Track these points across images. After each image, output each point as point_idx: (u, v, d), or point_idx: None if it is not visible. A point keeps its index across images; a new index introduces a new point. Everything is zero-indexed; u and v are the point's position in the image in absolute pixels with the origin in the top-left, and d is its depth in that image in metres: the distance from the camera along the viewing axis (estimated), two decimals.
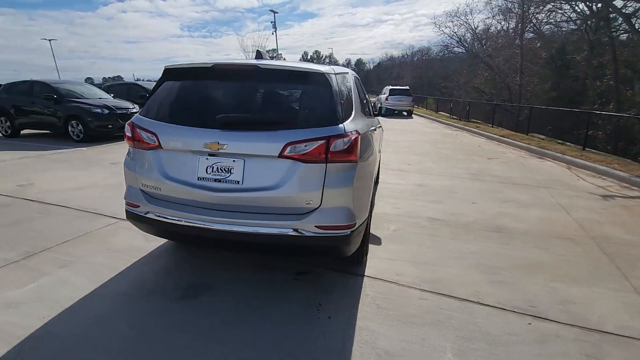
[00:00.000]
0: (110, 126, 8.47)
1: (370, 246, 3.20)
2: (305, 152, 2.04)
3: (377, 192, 4.80)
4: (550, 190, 5.21)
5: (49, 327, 2.08)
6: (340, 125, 2.12)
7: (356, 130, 2.25)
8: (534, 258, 3.08)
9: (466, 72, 23.02)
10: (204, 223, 2.15)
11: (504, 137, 10.55)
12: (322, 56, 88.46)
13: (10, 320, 2.13)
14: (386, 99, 18.15)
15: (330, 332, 2.10)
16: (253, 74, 2.24)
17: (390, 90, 18.59)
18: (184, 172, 2.20)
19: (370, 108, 3.84)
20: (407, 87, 19.76)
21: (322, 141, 2.04)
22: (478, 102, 19.54)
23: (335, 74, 2.35)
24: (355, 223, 2.20)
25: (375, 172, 3.77)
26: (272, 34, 27.76)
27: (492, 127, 13.48)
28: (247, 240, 2.15)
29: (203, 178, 2.17)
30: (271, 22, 28.65)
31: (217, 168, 2.14)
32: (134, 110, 8.89)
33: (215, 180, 2.15)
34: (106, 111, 8.43)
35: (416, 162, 6.94)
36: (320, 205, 2.11)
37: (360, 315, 2.26)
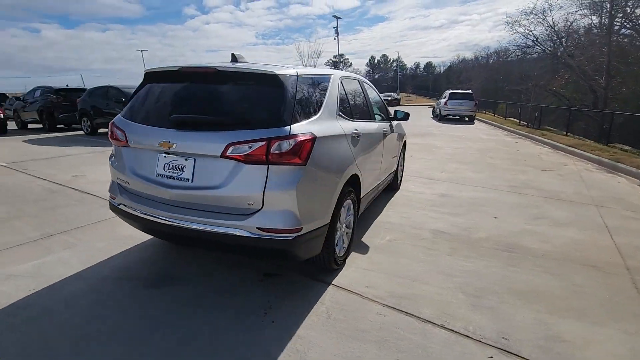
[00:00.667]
0: None
1: (354, 254, 3.08)
2: (246, 153, 2.03)
3: (391, 201, 4.59)
4: (601, 209, 4.48)
5: (28, 299, 2.37)
6: (287, 127, 2.08)
7: (311, 133, 2.18)
8: (538, 284, 2.68)
9: (540, 74, 20.80)
10: (161, 218, 2.26)
11: (571, 146, 9.33)
12: (390, 60, 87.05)
13: (2, 290, 2.47)
14: (445, 104, 17.21)
15: (266, 336, 2.06)
16: (213, 77, 2.30)
17: (450, 94, 17.59)
18: (146, 168, 2.35)
19: (372, 112, 3.69)
20: (469, 91, 18.52)
21: (263, 142, 2.02)
22: (554, 108, 17.52)
23: (295, 75, 2.31)
24: (302, 228, 2.14)
25: (381, 175, 3.61)
26: (334, 39, 28.03)
27: (565, 135, 12.00)
28: (197, 237, 2.21)
29: (160, 175, 2.29)
30: (334, 27, 29.37)
31: (172, 166, 2.24)
32: None
33: (169, 177, 2.25)
34: None
35: (452, 171, 6.48)
36: (262, 207, 2.09)
37: (305, 323, 2.18)
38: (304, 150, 2.10)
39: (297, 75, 2.34)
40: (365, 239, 3.44)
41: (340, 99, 2.85)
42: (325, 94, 2.60)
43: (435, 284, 2.65)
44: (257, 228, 2.08)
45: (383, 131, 3.79)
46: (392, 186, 5.01)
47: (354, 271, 2.82)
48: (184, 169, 2.21)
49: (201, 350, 1.95)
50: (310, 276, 2.71)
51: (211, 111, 2.22)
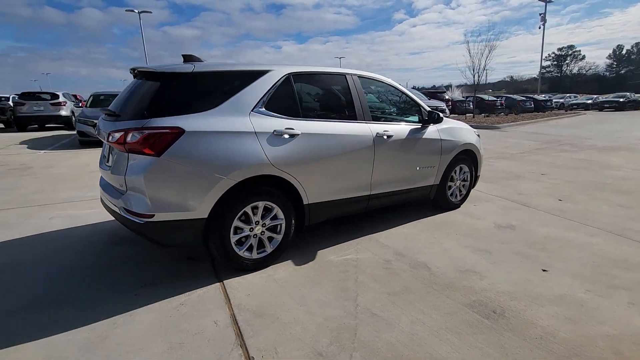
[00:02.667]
0: None
1: (277, 265, 2.88)
2: (114, 140, 2.33)
3: (428, 220, 3.85)
4: None
5: (11, 242, 3.37)
6: (145, 119, 2.24)
7: (175, 127, 2.27)
8: None
9: None
10: (103, 199, 2.84)
11: None
12: None
13: None
14: None
15: (112, 308, 2.32)
16: (137, 75, 2.67)
17: None
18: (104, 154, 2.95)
19: (362, 112, 3.20)
20: None
21: (122, 132, 2.26)
22: None
23: (186, 72, 2.41)
24: (153, 215, 2.27)
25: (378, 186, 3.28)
26: (540, 27, 23.16)
27: None
28: (113, 214, 2.66)
29: (106, 159, 2.84)
30: (540, 14, 23.28)
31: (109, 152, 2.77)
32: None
33: (106, 162, 2.79)
34: None
35: (579, 201, 4.62)
36: (126, 190, 2.34)
37: (155, 306, 2.32)
38: (157, 142, 2.21)
39: (191, 73, 2.43)
40: (324, 251, 3.10)
41: (271, 96, 2.70)
42: (238, 91, 2.55)
43: (321, 319, 2.21)
44: (123, 208, 2.36)
45: (380, 135, 3.23)
46: (438, 203, 4.13)
47: (260, 278, 2.67)
48: (111, 154, 2.70)
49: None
50: (214, 265, 2.77)
51: (123, 104, 2.60)
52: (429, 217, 3.95)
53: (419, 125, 3.65)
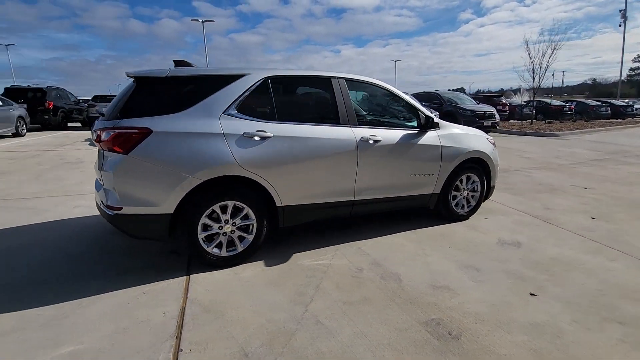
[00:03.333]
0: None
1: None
2: (95, 138, 2.55)
3: (422, 231, 3.68)
4: None
5: (32, 225, 3.81)
6: (117, 120, 2.43)
7: (144, 127, 2.43)
8: None
9: None
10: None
11: None
12: None
13: None
14: None
15: (84, 291, 2.54)
16: (129, 78, 2.91)
17: None
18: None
19: (347, 117, 3.14)
20: None
21: (99, 131, 2.47)
22: None
23: (161, 76, 2.57)
24: (121, 209, 2.45)
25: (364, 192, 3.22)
26: (620, 25, 20.59)
27: None
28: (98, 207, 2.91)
29: None
30: (619, 11, 20.40)
31: None
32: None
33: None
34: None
35: (608, 219, 4.07)
36: (103, 184, 2.55)
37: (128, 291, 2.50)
38: (125, 141, 2.39)
39: (165, 77, 2.58)
40: (299, 255, 3.09)
41: (245, 99, 2.76)
42: (211, 94, 2.66)
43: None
44: (101, 200, 2.59)
45: (366, 139, 3.13)
46: (441, 213, 3.89)
47: (226, 275, 2.74)
48: None
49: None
50: (187, 258, 2.89)
51: (110, 106, 2.81)
52: (427, 228, 3.74)
53: (414, 131, 3.48)
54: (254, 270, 2.83)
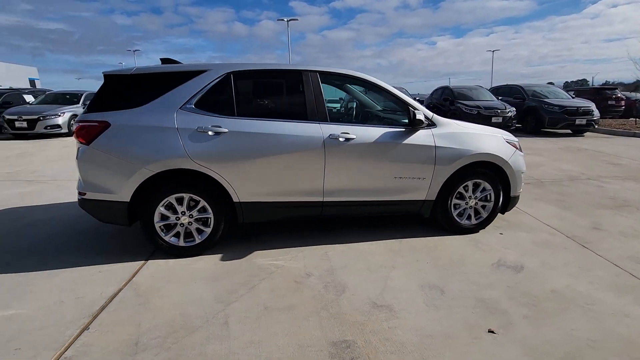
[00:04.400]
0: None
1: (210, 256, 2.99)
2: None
3: (408, 243, 3.34)
4: None
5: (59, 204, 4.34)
6: (84, 114, 2.69)
7: (103, 120, 2.65)
8: None
9: None
10: None
11: None
12: None
13: None
14: None
15: (57, 263, 2.89)
16: None
17: None
18: None
19: (318, 112, 2.96)
20: None
21: (75, 123, 2.76)
22: None
23: (124, 74, 2.75)
24: (86, 193, 2.71)
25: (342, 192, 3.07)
26: None
27: None
28: None
29: None
30: None
31: None
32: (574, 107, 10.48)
33: None
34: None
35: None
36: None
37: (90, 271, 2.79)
38: (86, 133, 2.62)
39: (129, 74, 2.76)
40: (259, 253, 3.04)
41: (204, 95, 2.80)
42: (170, 90, 2.76)
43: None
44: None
45: (335, 137, 2.91)
46: (440, 223, 3.43)
47: (179, 265, 2.84)
48: None
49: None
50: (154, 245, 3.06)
51: None
52: (418, 238, 3.32)
53: (400, 129, 3.10)
54: (207, 263, 2.87)
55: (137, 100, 2.75)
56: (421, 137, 3.12)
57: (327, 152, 2.92)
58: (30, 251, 3.09)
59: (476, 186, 3.36)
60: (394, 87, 3.23)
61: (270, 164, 2.85)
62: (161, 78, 2.84)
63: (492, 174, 3.32)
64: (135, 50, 48.09)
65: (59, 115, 10.81)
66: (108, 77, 2.80)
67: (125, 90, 2.79)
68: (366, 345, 1.94)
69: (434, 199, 3.26)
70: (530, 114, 11.25)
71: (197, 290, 2.49)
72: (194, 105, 2.79)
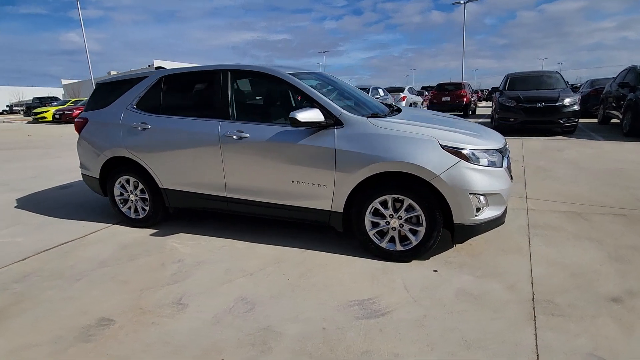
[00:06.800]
0: None
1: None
2: None
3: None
4: None
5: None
6: (83, 111, 3.72)
7: (85, 117, 3.63)
8: None
9: None
10: None
11: None
12: None
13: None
14: None
15: (58, 227, 4.10)
16: None
17: None
18: None
19: (232, 111, 3.06)
20: None
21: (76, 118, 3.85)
22: None
23: (102, 81, 3.61)
24: (81, 171, 3.80)
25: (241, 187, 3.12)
26: None
27: None
28: None
29: None
30: None
31: None
32: None
33: None
34: None
35: None
36: None
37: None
38: (78, 126, 3.64)
39: (107, 82, 3.61)
40: (180, 236, 3.41)
41: (142, 96, 3.36)
42: (124, 93, 3.46)
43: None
44: None
45: (229, 135, 2.94)
46: (362, 245, 2.91)
47: (125, 232, 3.56)
48: None
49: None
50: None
51: None
52: (325, 253, 2.93)
53: (301, 128, 2.80)
54: (130, 235, 3.41)
55: (106, 102, 3.61)
56: (320, 138, 2.74)
57: (222, 149, 3.01)
58: (45, 220, 4.50)
59: (399, 203, 2.66)
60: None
61: (180, 157, 3.19)
62: (123, 84, 3.59)
63: (423, 191, 2.56)
64: (325, 52, 54.43)
65: None
66: (97, 84, 3.79)
67: (103, 94, 3.70)
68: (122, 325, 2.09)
69: (341, 211, 2.80)
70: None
71: (86, 254, 3.11)
72: (135, 105, 3.42)
